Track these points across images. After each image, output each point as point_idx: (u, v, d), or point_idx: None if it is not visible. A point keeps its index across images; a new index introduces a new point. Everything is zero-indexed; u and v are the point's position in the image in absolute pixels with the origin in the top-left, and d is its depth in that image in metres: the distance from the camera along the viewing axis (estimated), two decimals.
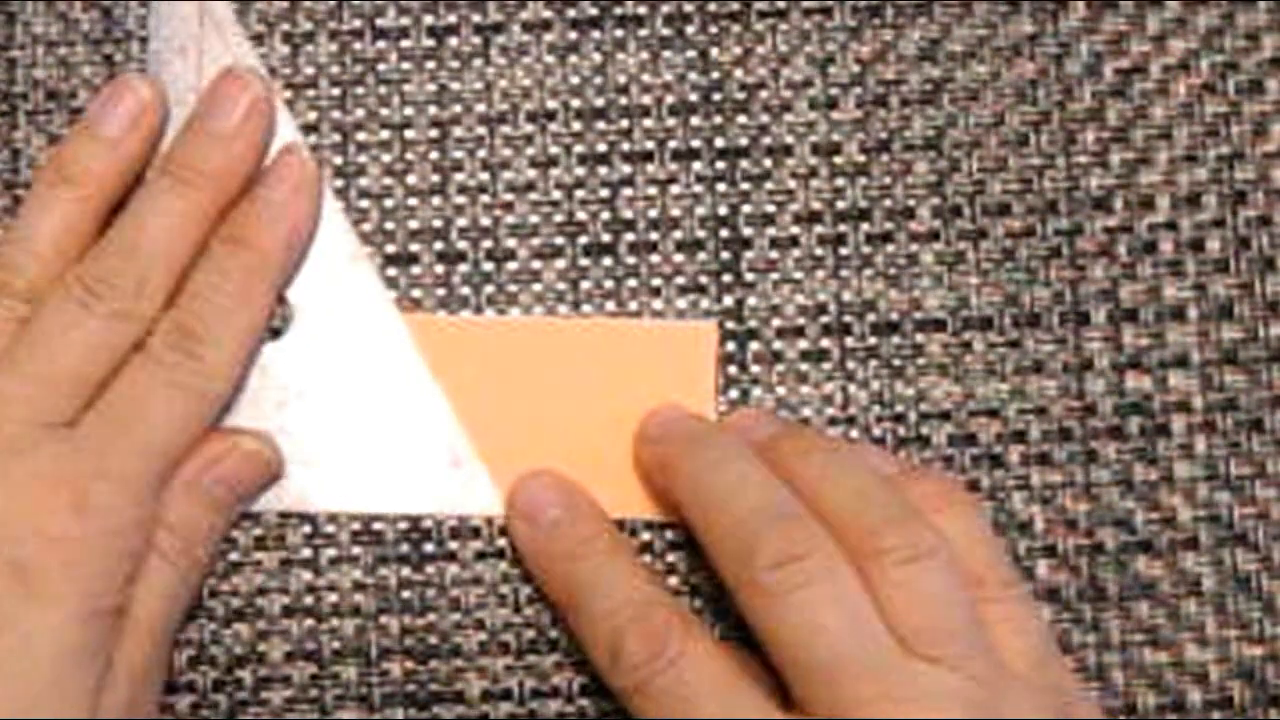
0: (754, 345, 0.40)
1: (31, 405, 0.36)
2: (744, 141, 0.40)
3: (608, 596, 0.36)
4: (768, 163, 0.40)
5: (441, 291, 0.40)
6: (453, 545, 0.39)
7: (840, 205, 0.40)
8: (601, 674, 0.36)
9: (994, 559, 0.35)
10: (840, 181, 0.40)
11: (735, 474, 0.35)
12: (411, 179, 0.40)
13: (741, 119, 0.40)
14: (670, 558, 0.39)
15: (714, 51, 0.40)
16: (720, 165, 0.40)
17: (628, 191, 0.40)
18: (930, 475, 0.37)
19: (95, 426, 0.36)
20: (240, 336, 0.37)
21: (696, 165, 0.40)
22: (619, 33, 0.40)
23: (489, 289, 0.40)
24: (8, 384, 0.36)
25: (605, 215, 0.40)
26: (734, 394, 0.39)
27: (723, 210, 0.40)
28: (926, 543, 0.34)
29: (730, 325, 0.40)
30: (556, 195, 0.40)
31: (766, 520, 0.34)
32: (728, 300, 0.40)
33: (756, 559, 0.33)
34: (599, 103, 0.40)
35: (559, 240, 0.40)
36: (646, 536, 0.39)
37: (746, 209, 0.40)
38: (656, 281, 0.40)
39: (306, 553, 0.39)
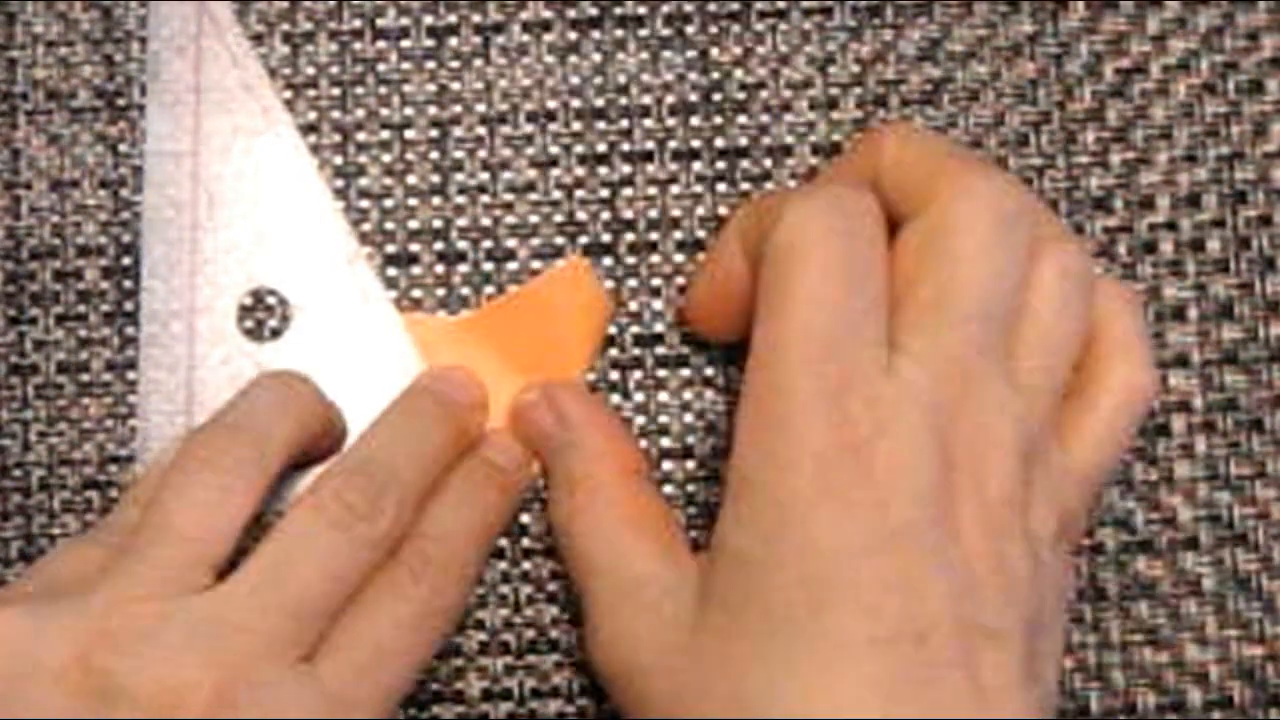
0: None
1: (273, 638, 0.32)
2: (744, 141, 0.40)
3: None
4: (768, 163, 0.40)
5: (441, 291, 0.40)
6: None
7: None
8: None
9: None
10: None
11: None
12: (411, 179, 0.40)
13: (741, 119, 0.40)
14: None
15: (714, 51, 0.40)
16: (720, 165, 0.40)
17: (628, 191, 0.40)
18: None
19: (337, 665, 0.33)
20: (478, 564, 0.37)
21: (696, 165, 0.40)
22: (619, 33, 0.40)
23: (489, 289, 0.40)
24: (244, 611, 0.33)
25: (605, 215, 0.40)
26: None
27: (723, 210, 0.40)
28: None
29: None
30: (556, 195, 0.40)
31: None
32: None
33: None
34: (599, 103, 0.40)
35: (559, 240, 0.40)
36: None
37: None
38: (656, 281, 0.40)
39: None
